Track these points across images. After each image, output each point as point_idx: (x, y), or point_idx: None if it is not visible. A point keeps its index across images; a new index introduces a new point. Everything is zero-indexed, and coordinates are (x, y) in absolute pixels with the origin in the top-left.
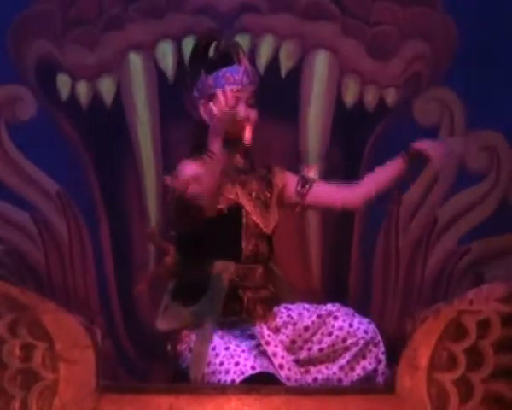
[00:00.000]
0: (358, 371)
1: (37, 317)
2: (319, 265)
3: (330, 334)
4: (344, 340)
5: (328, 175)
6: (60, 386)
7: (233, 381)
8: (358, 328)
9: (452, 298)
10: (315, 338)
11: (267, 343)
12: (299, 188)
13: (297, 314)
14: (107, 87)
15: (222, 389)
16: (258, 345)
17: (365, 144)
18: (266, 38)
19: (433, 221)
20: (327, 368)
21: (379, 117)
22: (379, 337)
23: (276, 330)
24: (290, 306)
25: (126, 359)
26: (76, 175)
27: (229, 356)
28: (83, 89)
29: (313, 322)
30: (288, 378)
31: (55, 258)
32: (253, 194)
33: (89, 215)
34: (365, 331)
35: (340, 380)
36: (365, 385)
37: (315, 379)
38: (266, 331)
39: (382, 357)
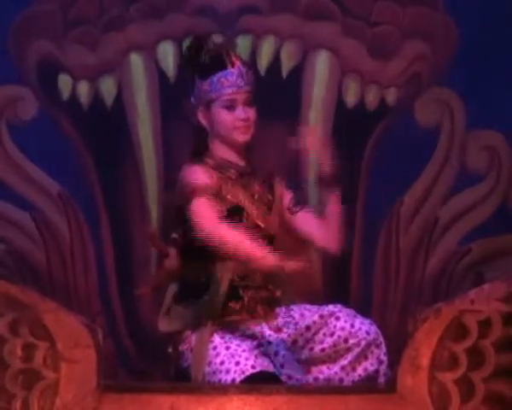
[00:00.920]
0: (360, 371)
1: (39, 316)
2: (320, 265)
3: (332, 334)
4: (346, 340)
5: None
6: (61, 385)
7: (233, 380)
8: (360, 329)
9: (453, 298)
10: (316, 338)
11: (268, 343)
12: (290, 203)
13: (299, 314)
14: (108, 87)
15: (223, 389)
16: (259, 345)
17: (366, 144)
18: (267, 38)
19: (433, 221)
20: (328, 368)
21: (380, 117)
22: (381, 339)
23: (278, 330)
24: (292, 306)
25: (127, 358)
26: (77, 175)
27: (230, 356)
28: (84, 89)
29: (315, 322)
30: (289, 378)
31: (56, 258)
32: (255, 196)
33: (90, 215)
34: (367, 332)
35: (341, 380)
36: (367, 384)
37: (316, 379)
38: (267, 331)
39: (384, 358)
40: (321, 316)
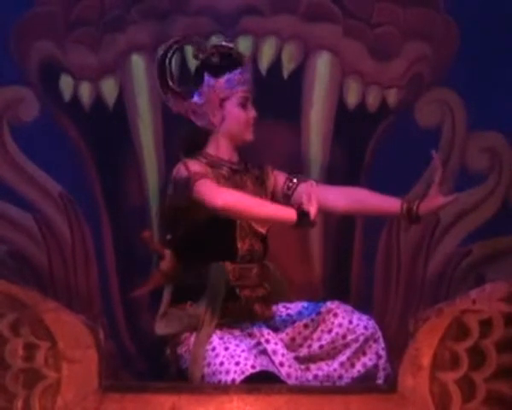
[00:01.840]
0: (359, 367)
1: (40, 316)
2: (321, 264)
3: (330, 331)
4: (344, 337)
5: (329, 176)
6: (62, 385)
7: (233, 381)
8: (358, 324)
9: (454, 298)
10: (315, 335)
11: (267, 341)
12: (285, 186)
13: (296, 312)
14: (109, 88)
15: (224, 389)
16: (258, 344)
17: (367, 145)
18: (268, 39)
19: (434, 222)
20: (327, 365)
21: (381, 118)
22: (379, 333)
23: (276, 329)
24: (289, 304)
25: (128, 358)
26: (78, 176)
27: (229, 356)
28: (85, 90)
29: (312, 319)
30: (289, 376)
31: (58, 259)
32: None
33: (91, 216)
34: (365, 328)
35: (340, 377)
36: (366, 382)
37: (315, 376)
38: (265, 330)
39: (383, 353)
40: (318, 313)
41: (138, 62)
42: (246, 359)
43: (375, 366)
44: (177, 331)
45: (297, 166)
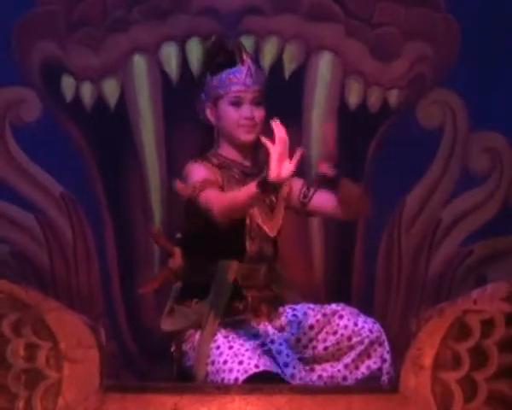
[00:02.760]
0: (363, 369)
1: (42, 316)
2: (322, 265)
3: (335, 333)
4: (349, 339)
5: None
6: (64, 385)
7: (236, 379)
8: (363, 327)
9: (456, 298)
10: (320, 337)
11: (272, 342)
12: (301, 194)
13: (302, 313)
14: (111, 89)
15: (225, 389)
16: (263, 344)
17: (368, 146)
18: (270, 39)
19: (436, 223)
20: (332, 367)
21: (382, 118)
22: (384, 337)
23: (281, 329)
24: (295, 306)
25: (130, 358)
26: (80, 176)
27: (233, 355)
28: (87, 90)
29: (318, 321)
30: (293, 377)
31: (60, 259)
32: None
33: (93, 216)
34: (370, 331)
35: (344, 378)
36: (370, 383)
37: (319, 377)
38: (271, 330)
39: (387, 356)
40: (324, 315)
41: (140, 63)
42: (249, 358)
43: (379, 370)
44: (182, 328)
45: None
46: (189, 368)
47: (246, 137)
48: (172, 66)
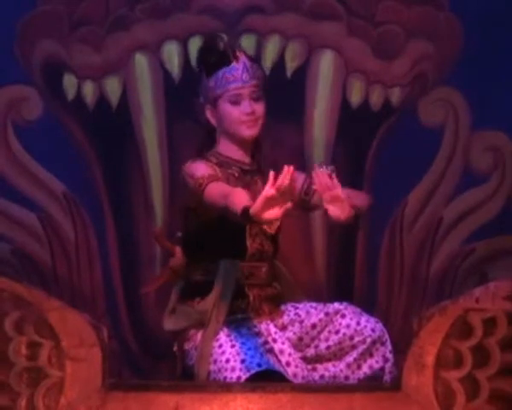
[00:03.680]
0: (365, 369)
1: (44, 315)
2: (324, 264)
3: (337, 332)
4: (351, 338)
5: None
6: (66, 384)
7: (239, 378)
8: (366, 326)
9: (457, 297)
10: (322, 336)
11: (274, 341)
12: (303, 191)
13: (304, 312)
14: (113, 87)
15: (227, 387)
16: (265, 343)
17: (370, 144)
18: (271, 38)
19: (437, 221)
20: (334, 366)
21: (384, 117)
22: (386, 336)
23: (283, 328)
24: (297, 304)
25: (132, 357)
26: (82, 175)
27: (236, 354)
28: (89, 89)
29: (320, 320)
30: (295, 376)
31: (61, 257)
32: (258, 195)
33: (95, 215)
34: (372, 330)
35: (346, 378)
36: (372, 382)
37: (322, 377)
38: (273, 329)
39: (390, 356)
40: (326, 314)
41: (142, 61)
42: (252, 357)
43: (382, 369)
44: (184, 327)
45: (300, 166)
46: (191, 367)
47: (249, 132)
48: (174, 64)
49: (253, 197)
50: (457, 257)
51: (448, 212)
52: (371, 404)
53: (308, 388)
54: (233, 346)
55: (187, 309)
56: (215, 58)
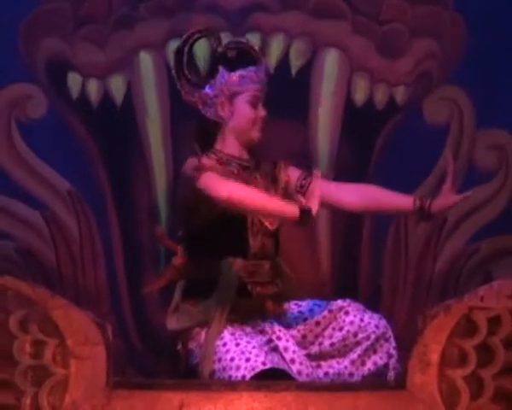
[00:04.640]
0: (369, 365)
1: (48, 313)
2: (329, 261)
3: (341, 329)
4: (355, 335)
5: (337, 173)
6: (70, 382)
7: (244, 377)
8: (369, 323)
9: (462, 295)
10: (326, 333)
11: (278, 338)
12: (298, 183)
13: (308, 310)
14: (117, 86)
15: (232, 386)
16: (269, 341)
17: (375, 142)
18: (276, 36)
19: (442, 220)
20: (338, 363)
21: (388, 115)
22: (390, 333)
23: (287, 326)
24: (300, 302)
25: (136, 355)
26: (86, 173)
27: (240, 352)
28: (93, 87)
29: (324, 317)
30: (300, 373)
31: (66, 255)
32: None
33: (99, 213)
34: (376, 326)
35: (351, 375)
36: (376, 380)
37: (326, 374)
38: (277, 326)
39: (393, 352)
40: (330, 311)
41: (146, 59)
42: (256, 355)
43: (386, 366)
44: (188, 327)
45: (305, 164)
46: (195, 366)
47: (258, 135)
48: None
49: None
50: (462, 256)
51: (452, 211)
52: (376, 402)
53: (313, 386)
54: (237, 345)
55: (190, 308)
56: (239, 54)
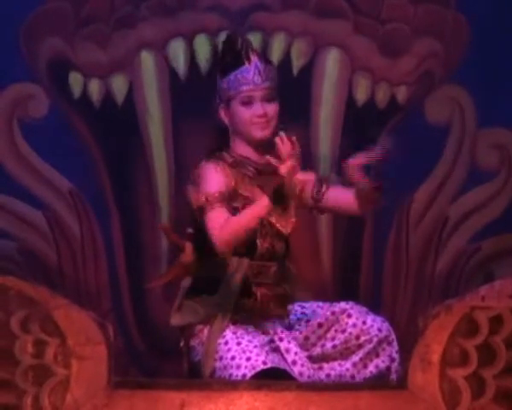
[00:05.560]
0: (371, 368)
1: (50, 313)
2: (330, 262)
3: (344, 331)
4: (357, 337)
5: (338, 173)
6: (72, 382)
7: (244, 376)
8: (372, 326)
9: (463, 295)
10: (328, 335)
11: (280, 339)
12: (314, 191)
13: (311, 311)
14: (118, 85)
15: (233, 385)
16: (271, 341)
17: (376, 142)
18: (278, 35)
19: (443, 219)
20: (340, 365)
21: (390, 115)
22: (393, 336)
23: (290, 327)
24: (304, 304)
25: (138, 355)
26: (88, 173)
27: (241, 351)
28: (95, 87)
29: (327, 319)
30: (301, 375)
31: (67, 255)
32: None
33: (100, 213)
34: (379, 329)
35: (352, 377)
36: (377, 381)
37: (328, 376)
38: (279, 328)
39: (396, 356)
40: (333, 313)
41: (148, 59)
42: (257, 355)
43: (388, 369)
44: (191, 323)
45: (306, 163)
46: (196, 363)
47: (259, 134)
48: (180, 62)
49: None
50: (463, 255)
51: (454, 210)
52: (377, 402)
53: (314, 386)
54: (239, 343)
55: (194, 305)
56: (229, 59)
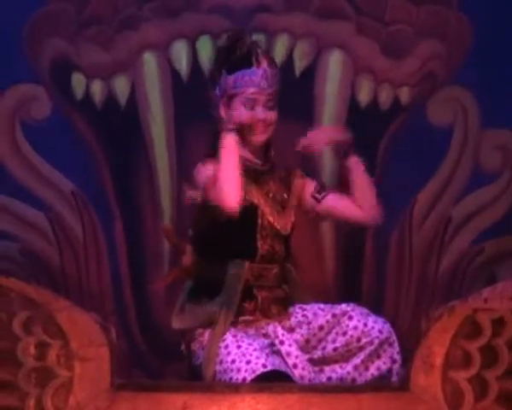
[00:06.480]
0: (373, 370)
1: (52, 315)
2: (333, 263)
3: (345, 333)
4: (358, 339)
5: (341, 175)
6: (74, 384)
7: (244, 379)
8: (373, 327)
9: (466, 297)
10: (329, 337)
11: (281, 343)
12: (314, 195)
13: (312, 314)
14: (121, 86)
15: (236, 388)
16: (272, 344)
17: (379, 143)
18: (281, 37)
19: (446, 221)
20: (341, 367)
21: (393, 116)
22: (394, 337)
23: (291, 330)
24: (305, 306)
25: (140, 357)
26: (90, 174)
27: (241, 354)
28: (97, 88)
29: (328, 321)
30: (302, 378)
31: (70, 256)
32: (270, 195)
33: (103, 214)
34: (380, 331)
35: (354, 380)
36: (380, 383)
37: (329, 379)
38: (280, 331)
39: (397, 357)
40: (334, 315)
41: (150, 60)
42: (257, 358)
43: (389, 371)
44: (192, 327)
45: (309, 165)
46: (197, 367)
47: (256, 138)
48: (183, 63)
49: (264, 198)
50: (466, 257)
51: (457, 211)
52: (379, 404)
53: (316, 388)
54: (239, 347)
55: (195, 308)
56: (239, 57)
